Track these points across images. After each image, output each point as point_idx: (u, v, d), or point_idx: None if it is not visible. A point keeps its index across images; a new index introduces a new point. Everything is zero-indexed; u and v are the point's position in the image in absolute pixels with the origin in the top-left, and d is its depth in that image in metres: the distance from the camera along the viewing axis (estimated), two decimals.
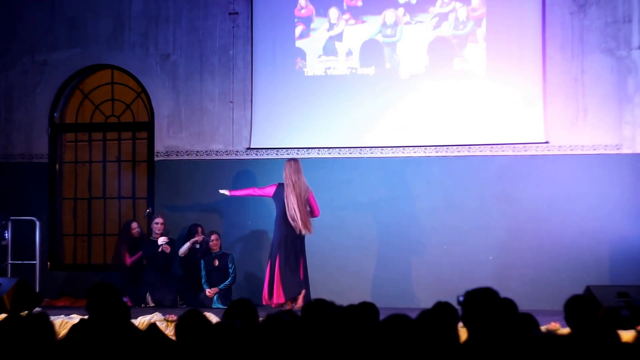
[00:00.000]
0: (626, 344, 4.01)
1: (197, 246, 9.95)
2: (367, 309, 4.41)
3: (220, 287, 9.72)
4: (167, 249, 9.85)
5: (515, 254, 9.72)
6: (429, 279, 9.84)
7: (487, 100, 9.90)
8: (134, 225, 10.20)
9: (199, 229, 10.09)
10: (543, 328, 5.52)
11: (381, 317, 4.43)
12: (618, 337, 4.10)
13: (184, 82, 10.65)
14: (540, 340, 3.57)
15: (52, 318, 4.13)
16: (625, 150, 9.63)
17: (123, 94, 11.10)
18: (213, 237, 9.89)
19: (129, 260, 10.08)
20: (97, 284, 5.04)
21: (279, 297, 9.05)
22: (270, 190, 9.34)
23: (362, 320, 4.28)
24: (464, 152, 9.94)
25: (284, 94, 10.36)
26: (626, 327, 7.01)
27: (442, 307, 4.15)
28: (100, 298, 4.90)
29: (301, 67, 10.36)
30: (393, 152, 10.13)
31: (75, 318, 7.82)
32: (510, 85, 9.84)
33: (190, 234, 10.10)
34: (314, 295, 8.97)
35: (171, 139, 10.68)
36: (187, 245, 9.92)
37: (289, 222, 9.11)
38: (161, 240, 9.83)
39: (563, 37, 9.78)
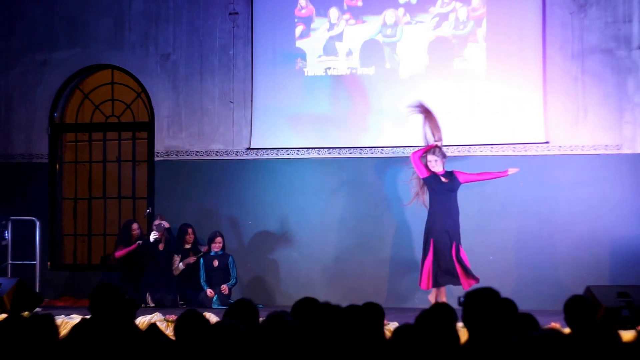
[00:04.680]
0: (626, 344, 4.01)
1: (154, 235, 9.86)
2: (372, 310, 4.39)
3: (228, 284, 9.73)
4: (161, 247, 9.83)
5: (515, 254, 9.73)
6: None
7: (487, 100, 9.90)
8: (135, 226, 10.18)
9: (189, 230, 10.09)
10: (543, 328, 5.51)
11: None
12: (619, 337, 4.10)
13: (184, 82, 10.65)
14: (540, 339, 3.57)
15: None
16: (626, 150, 9.63)
17: (123, 94, 11.11)
18: (218, 239, 9.88)
19: (118, 253, 10.01)
20: (100, 284, 5.04)
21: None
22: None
23: (367, 320, 4.27)
24: (464, 152, 9.94)
25: (284, 94, 10.36)
26: (626, 327, 7.01)
27: (440, 308, 4.15)
28: (104, 299, 4.90)
29: (301, 67, 10.36)
30: (393, 152, 10.14)
31: (75, 318, 7.82)
32: (510, 85, 9.84)
33: (181, 233, 10.10)
34: (314, 295, 8.95)
35: (171, 139, 10.68)
36: (181, 265, 9.91)
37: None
38: (152, 236, 9.80)
39: (563, 37, 9.78)
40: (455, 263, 8.75)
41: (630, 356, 3.79)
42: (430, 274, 8.78)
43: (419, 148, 9.05)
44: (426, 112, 9.13)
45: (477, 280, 8.72)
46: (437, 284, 8.77)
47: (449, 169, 8.94)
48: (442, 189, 8.86)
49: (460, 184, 8.94)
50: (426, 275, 8.79)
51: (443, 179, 8.89)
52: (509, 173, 9.02)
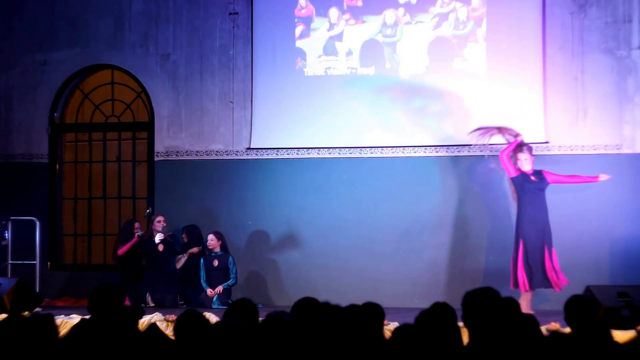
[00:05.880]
0: (625, 344, 4.01)
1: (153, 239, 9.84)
2: (371, 310, 4.40)
3: (223, 285, 9.73)
4: (160, 248, 9.83)
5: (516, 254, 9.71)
6: (429, 279, 9.85)
7: (487, 100, 9.90)
8: (137, 225, 10.20)
9: (183, 231, 10.11)
10: (543, 328, 5.52)
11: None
12: (611, 337, 4.11)
13: (184, 82, 10.65)
14: (540, 340, 3.57)
15: None
16: (625, 150, 9.63)
17: (123, 94, 11.11)
18: (210, 237, 9.88)
19: (120, 250, 10.02)
20: (100, 284, 5.04)
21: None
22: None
23: (366, 320, 4.27)
24: (464, 152, 9.94)
25: (284, 94, 10.36)
26: (626, 327, 7.01)
27: (439, 308, 4.15)
28: (103, 299, 4.90)
29: (301, 67, 10.36)
30: (393, 152, 10.13)
31: (75, 318, 7.83)
32: (510, 85, 9.84)
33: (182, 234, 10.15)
34: (314, 295, 8.95)
35: (171, 139, 10.68)
36: (183, 260, 9.93)
37: None
38: (158, 237, 9.80)
39: (563, 37, 9.78)
40: (546, 267, 8.65)
41: (630, 356, 3.79)
42: (525, 276, 8.65)
43: (506, 146, 8.97)
44: (490, 129, 9.09)
45: (567, 282, 8.62)
46: (532, 286, 8.65)
47: (538, 169, 8.88)
48: (532, 188, 8.76)
49: (548, 184, 8.83)
50: (521, 277, 8.65)
51: (532, 178, 8.80)
52: (599, 179, 8.93)
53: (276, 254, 10.32)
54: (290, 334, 3.88)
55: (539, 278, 8.67)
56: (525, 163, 8.83)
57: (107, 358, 4.09)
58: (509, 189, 9.60)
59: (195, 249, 9.93)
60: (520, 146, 8.90)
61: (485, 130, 9.18)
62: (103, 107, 11.15)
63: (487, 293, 4.10)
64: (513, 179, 8.89)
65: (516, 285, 8.73)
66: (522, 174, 8.82)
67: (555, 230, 9.68)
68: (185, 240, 10.11)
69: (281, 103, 10.37)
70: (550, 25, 9.78)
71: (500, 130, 9.12)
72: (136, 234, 9.96)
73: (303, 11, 10.39)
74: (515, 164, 8.88)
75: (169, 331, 7.01)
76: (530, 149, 8.90)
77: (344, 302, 4.64)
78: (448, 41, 10.02)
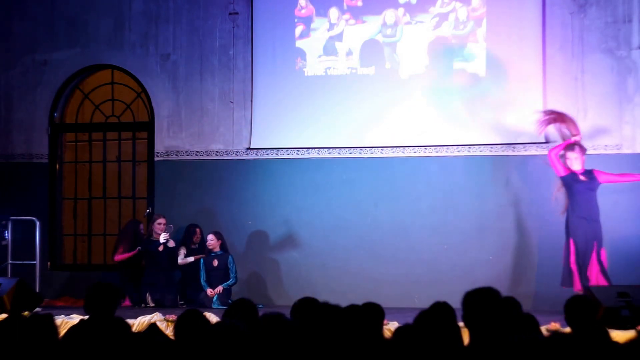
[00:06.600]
0: (625, 344, 4.01)
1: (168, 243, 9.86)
2: (371, 310, 4.39)
3: (223, 285, 9.73)
4: (172, 244, 9.84)
5: (515, 254, 9.72)
6: (429, 279, 9.84)
7: (487, 100, 9.90)
8: (142, 226, 10.22)
9: (197, 230, 10.11)
10: (543, 328, 5.52)
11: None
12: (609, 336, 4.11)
13: (184, 82, 10.65)
14: (543, 341, 3.57)
15: None
16: (625, 150, 9.63)
17: (123, 94, 11.11)
18: (209, 236, 9.89)
19: (118, 257, 10.03)
20: (95, 284, 5.04)
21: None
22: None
23: (366, 320, 4.27)
24: (464, 152, 9.94)
25: (284, 94, 10.37)
26: (626, 327, 7.01)
27: (439, 308, 4.15)
28: (99, 299, 4.90)
29: (301, 67, 10.36)
30: (393, 152, 10.13)
31: (75, 318, 7.83)
32: (510, 85, 9.84)
33: (188, 234, 10.12)
34: (314, 295, 8.94)
35: (171, 139, 10.68)
36: (190, 259, 9.93)
37: None
38: (163, 237, 9.80)
39: (563, 37, 9.77)
40: (591, 269, 8.49)
41: (630, 356, 3.79)
42: (577, 276, 8.52)
43: (557, 144, 8.90)
44: (558, 115, 8.97)
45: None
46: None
47: (588, 168, 8.78)
48: (581, 188, 8.63)
49: (599, 184, 8.70)
50: (577, 276, 8.54)
51: (582, 178, 8.68)
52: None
53: (276, 254, 10.32)
54: (290, 334, 3.88)
55: (582, 279, 8.53)
56: (575, 162, 8.70)
57: (107, 358, 4.09)
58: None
59: (202, 255, 9.93)
60: (572, 145, 8.81)
61: (549, 115, 8.95)
62: (103, 107, 11.15)
63: (487, 293, 4.10)
64: (562, 178, 8.76)
65: (570, 284, 8.59)
66: (571, 173, 8.70)
67: (557, 231, 9.69)
68: (199, 237, 10.07)
69: (281, 103, 10.37)
70: (550, 25, 9.78)
71: (564, 120, 8.91)
72: (137, 248, 9.97)
73: (303, 11, 10.39)
74: (564, 163, 8.78)
75: (169, 331, 7.02)
76: (582, 149, 8.78)
77: (344, 302, 4.64)
78: (448, 41, 10.02)
